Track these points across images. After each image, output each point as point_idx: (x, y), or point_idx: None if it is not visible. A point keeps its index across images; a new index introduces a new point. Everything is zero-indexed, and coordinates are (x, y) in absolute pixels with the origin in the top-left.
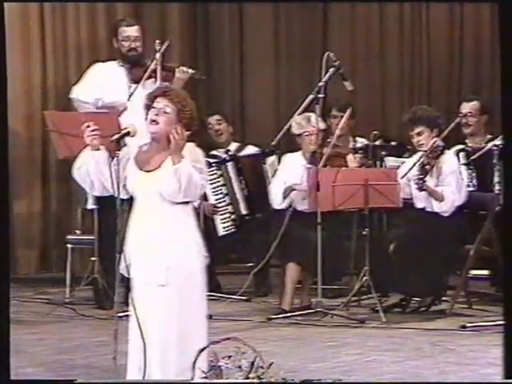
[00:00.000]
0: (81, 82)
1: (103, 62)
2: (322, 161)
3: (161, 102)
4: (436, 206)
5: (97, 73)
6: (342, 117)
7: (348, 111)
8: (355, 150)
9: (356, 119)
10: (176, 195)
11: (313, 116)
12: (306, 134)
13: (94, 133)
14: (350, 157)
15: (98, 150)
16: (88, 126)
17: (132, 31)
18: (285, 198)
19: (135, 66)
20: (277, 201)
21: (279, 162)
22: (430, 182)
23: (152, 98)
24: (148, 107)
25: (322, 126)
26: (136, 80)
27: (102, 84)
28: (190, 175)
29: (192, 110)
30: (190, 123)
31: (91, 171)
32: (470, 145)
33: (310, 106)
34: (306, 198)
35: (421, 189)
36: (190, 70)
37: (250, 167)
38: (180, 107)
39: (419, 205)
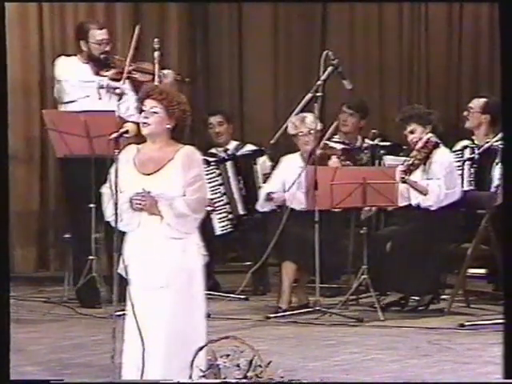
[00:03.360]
0: (62, 69)
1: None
2: (310, 161)
3: (148, 104)
4: (421, 200)
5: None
6: (350, 114)
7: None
8: (361, 150)
9: (367, 120)
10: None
11: (308, 116)
12: (301, 134)
13: None
14: (334, 159)
15: None
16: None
17: (104, 34)
18: (266, 200)
19: (101, 65)
20: (260, 202)
21: (271, 161)
22: (421, 177)
23: (140, 101)
24: (140, 110)
25: (318, 126)
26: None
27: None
28: (181, 217)
29: (181, 102)
30: (181, 117)
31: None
32: (476, 142)
33: (309, 105)
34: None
35: (402, 181)
36: (171, 73)
37: (246, 166)
38: (167, 104)
39: (414, 201)
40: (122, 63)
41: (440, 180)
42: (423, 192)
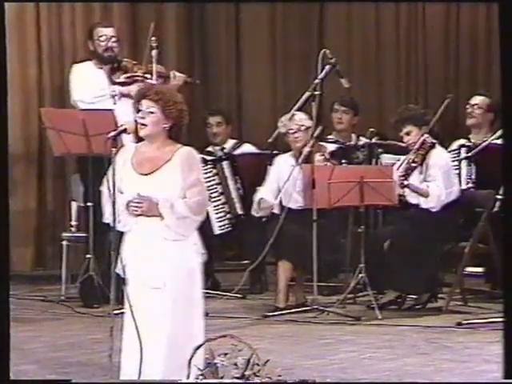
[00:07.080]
0: (77, 85)
1: (78, 63)
2: (300, 158)
3: (144, 104)
4: (423, 202)
5: (83, 75)
6: (344, 111)
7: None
8: (356, 148)
9: (359, 117)
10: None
11: (298, 114)
12: (291, 131)
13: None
14: (318, 157)
15: None
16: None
17: (109, 31)
18: (260, 208)
19: (114, 70)
20: (254, 207)
21: None
22: (418, 178)
23: (136, 100)
24: (137, 110)
25: (307, 123)
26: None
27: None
28: (182, 219)
29: (177, 102)
30: (178, 117)
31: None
32: (472, 140)
33: (307, 104)
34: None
35: (402, 186)
36: (182, 75)
37: (246, 166)
38: (163, 104)
39: (413, 200)
40: (133, 66)
41: (438, 181)
42: (424, 195)
